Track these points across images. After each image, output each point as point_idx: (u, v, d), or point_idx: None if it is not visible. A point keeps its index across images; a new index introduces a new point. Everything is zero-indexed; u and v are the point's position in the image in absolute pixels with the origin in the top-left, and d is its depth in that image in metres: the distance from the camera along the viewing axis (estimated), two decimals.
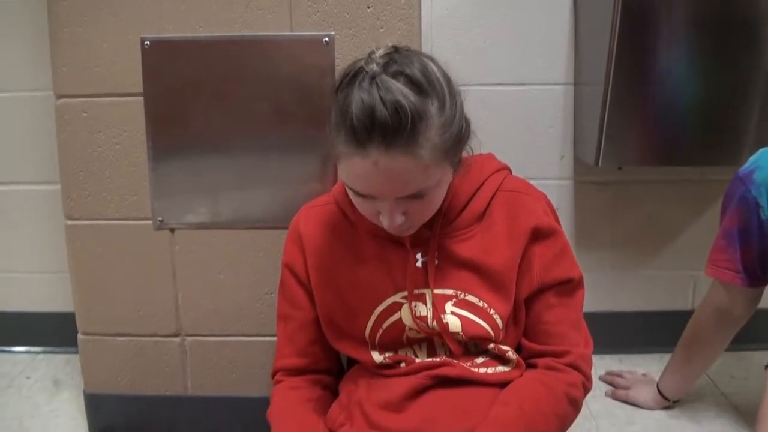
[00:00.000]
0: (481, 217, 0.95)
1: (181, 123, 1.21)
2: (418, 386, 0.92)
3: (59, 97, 1.22)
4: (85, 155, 1.24)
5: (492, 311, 0.93)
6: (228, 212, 1.26)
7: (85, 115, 1.22)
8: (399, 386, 0.92)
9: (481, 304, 0.93)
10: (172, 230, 1.27)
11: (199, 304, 1.30)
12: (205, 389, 1.34)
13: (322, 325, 1.00)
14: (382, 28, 1.17)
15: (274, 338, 1.06)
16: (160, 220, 1.26)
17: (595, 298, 1.54)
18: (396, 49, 0.82)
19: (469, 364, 0.94)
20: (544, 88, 1.50)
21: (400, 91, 0.76)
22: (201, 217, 1.26)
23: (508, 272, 0.93)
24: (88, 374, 1.35)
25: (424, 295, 0.94)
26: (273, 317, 1.08)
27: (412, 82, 0.78)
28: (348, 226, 0.99)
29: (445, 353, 0.96)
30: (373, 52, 0.82)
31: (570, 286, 0.97)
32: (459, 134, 0.83)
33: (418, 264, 0.94)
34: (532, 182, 1.00)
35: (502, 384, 0.94)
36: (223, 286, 1.29)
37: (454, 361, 0.94)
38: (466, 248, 0.94)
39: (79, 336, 1.33)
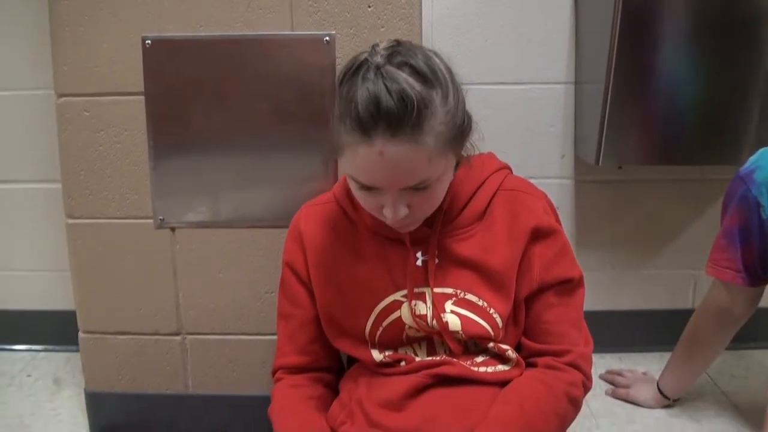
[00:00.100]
0: (481, 216, 0.95)
1: (182, 122, 1.22)
2: (418, 385, 0.92)
3: (60, 96, 1.22)
4: (86, 154, 1.24)
5: (492, 310, 0.93)
6: (228, 211, 1.26)
7: (86, 114, 1.22)
8: (399, 385, 0.92)
9: (481, 303, 0.93)
10: (173, 229, 1.27)
11: (199, 303, 1.30)
12: (205, 388, 1.34)
13: (322, 323, 1.00)
14: (382, 27, 1.17)
15: (275, 337, 1.07)
16: (160, 219, 1.26)
17: (595, 297, 1.53)
18: (399, 43, 0.83)
19: (468, 363, 0.94)
20: (544, 87, 1.50)
21: (406, 80, 0.77)
22: (201, 216, 1.26)
23: (508, 271, 0.93)
24: (88, 372, 1.35)
25: (424, 293, 0.94)
26: (273, 316, 1.08)
27: (417, 73, 0.79)
28: (348, 225, 0.99)
29: (445, 352, 0.96)
30: (376, 45, 0.82)
31: (570, 286, 0.97)
32: (462, 125, 0.84)
33: (418, 262, 0.94)
34: (532, 181, 1.00)
35: (501, 383, 0.94)
36: (224, 284, 1.29)
37: (454, 360, 0.94)
38: (466, 247, 0.94)
39: (80, 334, 1.33)
